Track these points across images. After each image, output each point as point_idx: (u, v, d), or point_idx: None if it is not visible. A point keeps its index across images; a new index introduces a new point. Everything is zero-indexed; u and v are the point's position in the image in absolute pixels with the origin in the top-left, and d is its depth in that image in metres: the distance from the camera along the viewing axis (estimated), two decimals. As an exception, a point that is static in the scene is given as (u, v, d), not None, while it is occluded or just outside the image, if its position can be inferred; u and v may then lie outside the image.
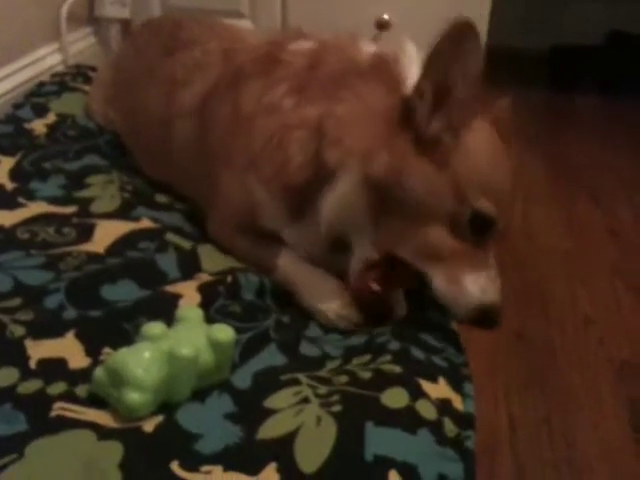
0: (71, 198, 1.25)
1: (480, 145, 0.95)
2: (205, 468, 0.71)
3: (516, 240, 1.65)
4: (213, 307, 0.98)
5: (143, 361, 0.76)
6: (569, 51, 3.14)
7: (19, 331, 0.88)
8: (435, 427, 0.78)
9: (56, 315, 0.92)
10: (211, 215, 1.20)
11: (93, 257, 1.05)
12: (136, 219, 1.19)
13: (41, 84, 1.75)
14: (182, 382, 0.79)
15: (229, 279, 1.04)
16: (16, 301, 0.94)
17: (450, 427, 0.79)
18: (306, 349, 0.94)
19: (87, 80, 1.81)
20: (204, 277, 1.05)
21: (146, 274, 1.03)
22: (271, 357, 0.90)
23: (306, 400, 0.81)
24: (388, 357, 0.89)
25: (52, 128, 1.52)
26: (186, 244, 1.13)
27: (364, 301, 1.00)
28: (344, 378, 0.85)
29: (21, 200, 1.21)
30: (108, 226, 1.15)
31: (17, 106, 1.61)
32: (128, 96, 1.47)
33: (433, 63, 0.91)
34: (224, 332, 0.82)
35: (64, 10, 1.98)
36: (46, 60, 1.92)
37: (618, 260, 1.70)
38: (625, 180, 2.20)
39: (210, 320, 0.89)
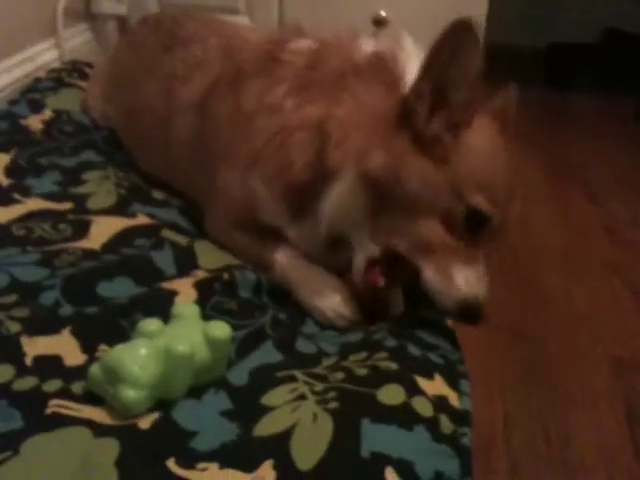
0: (67, 194, 1.25)
1: (480, 144, 0.96)
2: (201, 465, 0.71)
3: (513, 238, 1.66)
4: (209, 304, 0.98)
5: (139, 358, 0.76)
6: (566, 49, 3.15)
7: (15, 328, 0.87)
8: (431, 424, 0.78)
9: (52, 312, 0.92)
10: (209, 211, 1.20)
11: (89, 254, 1.05)
12: (132, 215, 1.19)
13: (37, 80, 1.75)
14: (178, 379, 0.79)
15: (225, 276, 1.04)
16: (12, 298, 0.93)
17: (446, 424, 0.79)
18: (302, 346, 0.94)
19: (83, 76, 1.80)
20: (200, 274, 1.05)
21: (142, 271, 1.03)
22: (267, 354, 0.90)
23: (302, 397, 0.81)
24: (384, 354, 0.89)
25: (48, 124, 1.52)
26: (182, 240, 1.13)
27: (366, 298, 1.00)
28: (340, 375, 0.85)
29: (17, 196, 1.21)
30: (104, 222, 1.15)
31: (13, 102, 1.61)
32: (126, 92, 1.47)
33: (432, 64, 0.91)
34: (220, 329, 0.82)
35: (60, 6, 1.97)
36: (42, 56, 1.91)
37: (614, 258, 1.70)
38: (622, 178, 2.21)
39: (206, 317, 0.89)
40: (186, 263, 1.07)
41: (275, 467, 0.71)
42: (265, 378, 0.85)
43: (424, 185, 0.93)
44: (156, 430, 0.75)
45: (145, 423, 0.76)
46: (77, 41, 2.12)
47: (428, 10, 1.93)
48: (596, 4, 3.31)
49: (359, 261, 0.99)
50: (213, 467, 0.71)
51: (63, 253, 1.04)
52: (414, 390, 0.82)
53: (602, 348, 1.33)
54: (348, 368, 0.87)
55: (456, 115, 0.93)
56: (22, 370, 0.81)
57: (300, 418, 0.77)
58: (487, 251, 0.98)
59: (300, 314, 1.02)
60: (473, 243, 0.95)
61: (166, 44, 1.39)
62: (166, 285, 1.00)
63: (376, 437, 0.74)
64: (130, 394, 0.75)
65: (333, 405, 0.79)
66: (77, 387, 0.80)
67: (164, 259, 1.06)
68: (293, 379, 0.84)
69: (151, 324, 0.81)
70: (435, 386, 0.86)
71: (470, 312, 0.94)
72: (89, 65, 1.89)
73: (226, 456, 0.72)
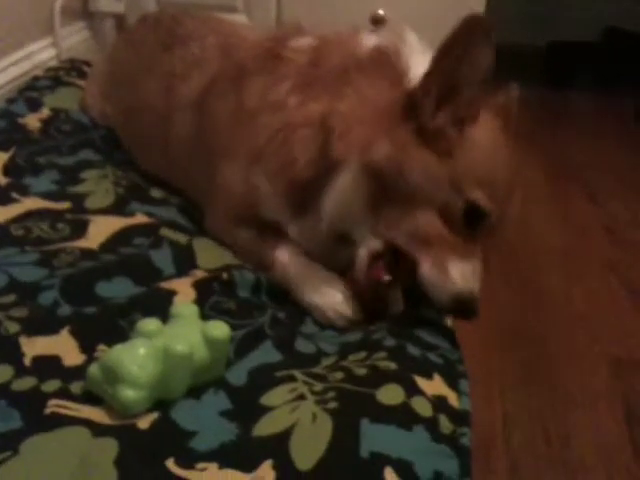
0: (65, 193, 1.24)
1: (483, 140, 0.96)
2: (200, 465, 0.71)
3: (513, 238, 1.66)
4: (208, 304, 0.97)
5: (138, 358, 0.76)
6: (566, 48, 3.14)
7: (13, 328, 0.87)
8: (431, 424, 0.78)
9: (50, 312, 0.92)
10: (209, 208, 1.20)
11: (87, 253, 1.05)
12: (131, 214, 1.18)
13: (35, 79, 1.74)
14: (177, 379, 0.79)
15: (224, 276, 1.03)
16: (10, 297, 0.93)
17: (446, 424, 0.79)
18: (301, 346, 0.94)
19: (81, 75, 1.80)
20: (199, 274, 1.04)
21: (141, 270, 1.02)
22: (266, 354, 0.90)
23: (302, 397, 0.81)
24: (383, 354, 0.89)
25: (46, 123, 1.51)
26: (181, 239, 1.13)
27: (368, 297, 1.00)
28: (339, 375, 0.85)
29: (15, 196, 1.21)
30: (102, 222, 1.15)
31: (10, 101, 1.60)
32: (125, 91, 1.47)
33: (443, 58, 0.91)
34: (219, 329, 0.82)
35: (58, 4, 1.97)
36: (40, 55, 1.91)
37: (614, 258, 1.70)
38: (621, 178, 2.21)
39: (205, 317, 0.89)
40: (185, 262, 1.07)
41: (274, 467, 0.71)
42: (264, 378, 0.85)
43: (426, 177, 0.93)
44: (155, 430, 0.75)
45: (144, 423, 0.75)
46: (75, 39, 2.11)
47: (426, 9, 1.93)
48: (596, 2, 3.30)
49: (362, 256, 0.98)
50: (212, 467, 0.71)
51: (61, 253, 1.04)
52: (413, 390, 0.82)
53: (600, 348, 1.34)
54: (347, 368, 0.86)
55: (462, 110, 0.94)
56: (21, 370, 0.81)
57: (299, 418, 0.77)
58: (486, 249, 0.98)
59: (299, 314, 1.02)
60: (471, 239, 0.95)
61: (165, 42, 1.39)
62: (165, 285, 1.00)
63: (375, 437, 0.74)
64: (129, 394, 0.75)
65: (332, 405, 0.79)
66: (76, 387, 0.80)
67: (163, 258, 1.06)
68: (292, 379, 0.84)
69: (150, 324, 0.81)
70: (434, 386, 0.85)
71: (464, 306, 0.94)
72: (87, 63, 1.88)
73: (225, 456, 0.72)
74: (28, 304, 0.92)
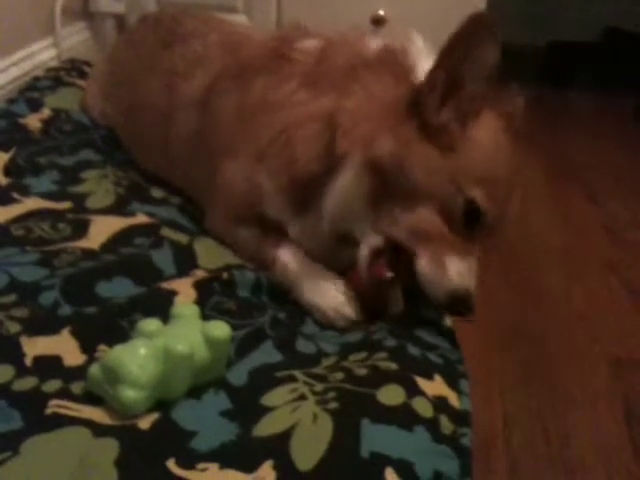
0: (66, 193, 1.24)
1: (485, 138, 0.96)
2: (201, 466, 0.71)
3: (513, 237, 1.66)
4: (209, 304, 0.97)
5: (138, 358, 0.76)
6: (566, 48, 3.14)
7: (14, 328, 0.87)
8: (431, 424, 0.78)
9: (51, 312, 0.92)
10: (210, 207, 1.20)
11: (88, 253, 1.05)
12: (131, 214, 1.18)
13: (35, 79, 1.74)
14: (178, 379, 0.79)
15: (225, 276, 1.03)
16: (11, 298, 0.93)
17: (446, 424, 0.79)
18: (302, 346, 0.94)
19: (82, 75, 1.80)
20: (200, 274, 1.04)
21: (141, 271, 1.02)
22: (267, 354, 0.90)
23: (302, 397, 0.81)
24: (384, 354, 0.89)
25: (46, 123, 1.51)
26: (182, 239, 1.13)
27: (368, 296, 1.00)
28: (340, 375, 0.85)
29: (15, 196, 1.21)
30: (103, 222, 1.15)
31: (11, 101, 1.60)
32: (125, 91, 1.47)
33: (449, 54, 0.92)
34: (220, 329, 0.82)
35: (58, 4, 1.97)
36: (40, 55, 1.90)
37: (613, 257, 1.70)
38: (621, 177, 2.21)
39: (206, 317, 0.89)
40: (185, 263, 1.07)
41: (275, 467, 0.71)
42: (265, 378, 0.85)
43: (427, 172, 0.93)
44: (156, 430, 0.75)
45: (145, 423, 0.75)
46: (75, 40, 2.11)
47: (427, 9, 1.92)
48: (596, 3, 3.31)
49: (363, 253, 0.98)
50: (213, 467, 0.71)
51: (62, 253, 1.04)
52: (414, 390, 0.82)
53: (600, 348, 1.34)
54: (348, 368, 0.87)
55: (466, 106, 0.94)
56: (22, 370, 0.81)
57: (300, 418, 0.77)
58: (486, 249, 0.98)
59: (300, 314, 1.02)
60: (469, 237, 0.95)
61: (166, 40, 1.39)
62: (165, 285, 1.00)
63: (376, 437, 0.74)
64: (129, 394, 0.75)
65: (333, 405, 0.79)
66: (77, 387, 0.80)
67: (163, 259, 1.06)
68: (293, 379, 0.84)
69: (150, 324, 0.81)
70: (435, 386, 0.85)
71: (459, 303, 0.94)
72: (87, 64, 1.88)
73: (226, 456, 0.72)
74: (29, 304, 0.92)
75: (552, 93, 2.94)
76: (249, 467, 0.71)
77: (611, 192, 2.08)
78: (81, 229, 1.12)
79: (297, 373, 0.86)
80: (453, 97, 0.94)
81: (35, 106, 1.57)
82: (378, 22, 1.97)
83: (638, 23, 3.14)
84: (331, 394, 0.81)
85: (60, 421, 0.74)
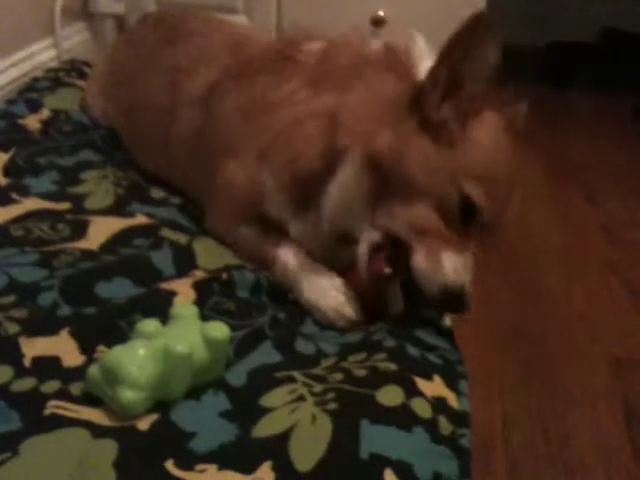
0: (65, 194, 1.24)
1: (484, 137, 0.97)
2: (200, 467, 0.71)
3: (512, 237, 1.66)
4: (208, 304, 0.97)
5: (137, 359, 0.76)
6: (566, 48, 3.14)
7: (13, 328, 0.87)
8: (430, 425, 0.78)
9: (50, 312, 0.92)
10: (211, 206, 1.20)
11: (87, 254, 1.05)
12: (131, 215, 1.18)
13: (35, 79, 1.74)
14: (177, 380, 0.79)
15: (224, 276, 1.03)
16: (10, 298, 0.93)
17: (445, 425, 0.79)
18: (301, 346, 0.94)
19: (81, 75, 1.80)
20: (199, 274, 1.04)
21: (141, 271, 1.02)
22: (266, 355, 0.90)
23: (301, 398, 0.81)
24: (383, 355, 0.89)
25: (46, 123, 1.51)
26: (182, 239, 1.13)
27: (368, 295, 1.00)
28: (339, 376, 0.85)
29: (15, 196, 1.20)
30: (102, 222, 1.15)
31: (10, 102, 1.60)
32: (126, 90, 1.47)
33: (451, 51, 0.92)
34: (219, 329, 0.82)
35: (58, 5, 1.96)
36: (40, 55, 1.90)
37: (613, 257, 1.70)
38: (620, 178, 2.21)
39: (205, 318, 0.89)
40: (185, 263, 1.07)
41: (274, 468, 0.71)
42: (264, 379, 0.85)
43: (425, 168, 0.94)
44: (155, 431, 0.75)
45: (144, 424, 0.75)
46: (75, 40, 2.11)
47: (427, 10, 1.92)
48: (595, 3, 3.31)
49: (362, 249, 0.98)
50: (212, 468, 0.71)
51: (61, 253, 1.04)
52: (413, 391, 0.82)
53: (600, 348, 1.34)
54: (347, 369, 0.87)
55: (466, 104, 0.95)
56: (21, 371, 0.81)
57: (299, 419, 0.77)
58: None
59: (299, 314, 1.02)
60: (466, 234, 0.96)
61: (168, 38, 1.40)
62: (165, 285, 1.00)
63: (375, 438, 0.74)
64: (128, 395, 0.75)
65: (332, 406, 0.79)
66: (75, 388, 0.79)
67: (163, 259, 1.06)
68: (292, 380, 0.84)
69: (149, 325, 0.81)
70: (434, 387, 0.85)
71: (453, 299, 0.94)
72: (87, 64, 1.88)
73: (225, 457, 0.72)
74: (28, 305, 0.92)
75: (552, 93, 2.94)
76: (248, 468, 0.71)
77: (610, 192, 2.08)
78: (80, 230, 1.12)
79: (296, 374, 0.85)
80: (454, 95, 0.95)
81: (34, 107, 1.57)
82: (378, 23, 1.97)
83: (636, 24, 3.14)
84: (330, 395, 0.81)
85: (59, 422, 0.74)
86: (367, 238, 0.98)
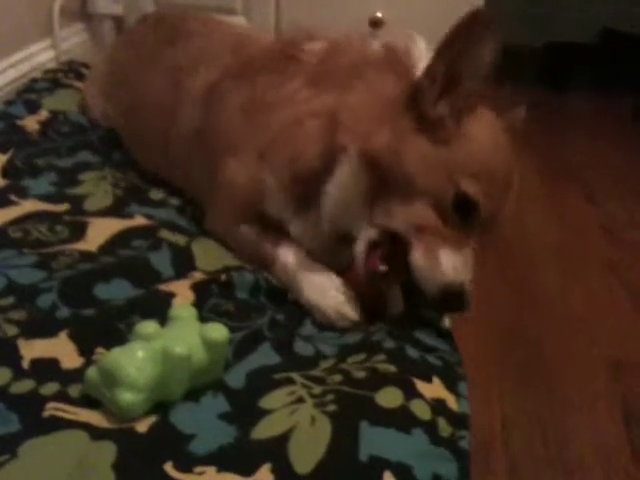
0: (64, 195, 1.24)
1: (479, 134, 0.97)
2: (199, 469, 0.71)
3: (510, 237, 1.66)
4: (207, 306, 0.97)
5: (136, 360, 0.76)
6: (564, 48, 3.15)
7: (12, 330, 0.87)
8: (429, 427, 0.78)
9: (49, 314, 0.91)
10: (211, 205, 1.20)
11: (86, 256, 1.05)
12: (129, 216, 1.18)
13: (33, 80, 1.74)
14: (175, 381, 0.79)
15: (223, 277, 1.03)
16: (9, 300, 0.93)
17: (444, 427, 0.79)
18: (300, 348, 0.94)
19: (80, 77, 1.80)
20: (198, 276, 1.04)
21: (139, 273, 1.02)
22: (265, 356, 0.90)
23: (300, 400, 0.80)
24: (383, 356, 0.89)
25: (44, 125, 1.51)
26: (180, 240, 1.12)
27: (368, 295, 1.00)
28: (338, 377, 0.85)
29: (13, 198, 1.20)
30: (101, 224, 1.15)
31: (9, 103, 1.60)
32: (126, 90, 1.47)
33: (448, 47, 0.93)
34: (218, 331, 0.82)
35: (56, 6, 1.96)
36: (38, 56, 1.90)
37: (612, 258, 1.70)
38: (619, 178, 2.21)
39: (203, 319, 0.89)
40: (183, 264, 1.07)
41: (273, 470, 0.70)
42: (263, 380, 0.84)
43: (420, 165, 0.94)
44: (154, 433, 0.75)
45: (142, 426, 0.75)
46: (73, 41, 2.11)
47: (425, 11, 1.92)
48: (593, 4, 3.31)
49: (360, 247, 0.98)
50: (211, 470, 0.71)
51: (60, 255, 1.04)
52: (412, 393, 0.82)
53: (598, 350, 1.34)
54: (346, 370, 0.86)
55: (462, 102, 0.95)
56: (19, 373, 0.81)
57: (298, 421, 0.77)
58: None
59: (298, 315, 1.02)
60: (465, 231, 0.95)
61: (168, 37, 1.40)
62: (163, 287, 1.00)
63: (374, 440, 0.74)
64: (127, 397, 0.75)
65: (331, 408, 0.79)
66: (74, 390, 0.79)
67: (161, 261, 1.06)
68: (291, 382, 0.84)
69: (148, 326, 0.81)
70: (433, 389, 0.85)
71: (453, 298, 0.93)
72: (85, 66, 1.88)
73: (224, 459, 0.72)
74: (26, 307, 0.92)
75: (550, 94, 2.94)
76: (247, 470, 0.70)
77: (609, 192, 2.08)
78: (79, 231, 1.11)
79: (295, 375, 0.85)
80: (450, 92, 0.95)
81: (33, 108, 1.57)
82: (376, 24, 1.97)
83: (634, 24, 3.15)
84: (329, 397, 0.81)
85: (57, 424, 0.74)
86: (365, 236, 0.98)
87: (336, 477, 0.70)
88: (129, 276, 1.01)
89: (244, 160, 1.12)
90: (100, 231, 1.12)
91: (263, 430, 0.76)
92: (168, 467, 0.70)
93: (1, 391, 0.78)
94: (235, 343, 0.91)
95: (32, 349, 0.85)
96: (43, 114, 1.55)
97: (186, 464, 0.71)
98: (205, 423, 0.77)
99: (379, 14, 1.97)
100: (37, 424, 0.74)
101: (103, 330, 0.89)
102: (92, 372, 0.78)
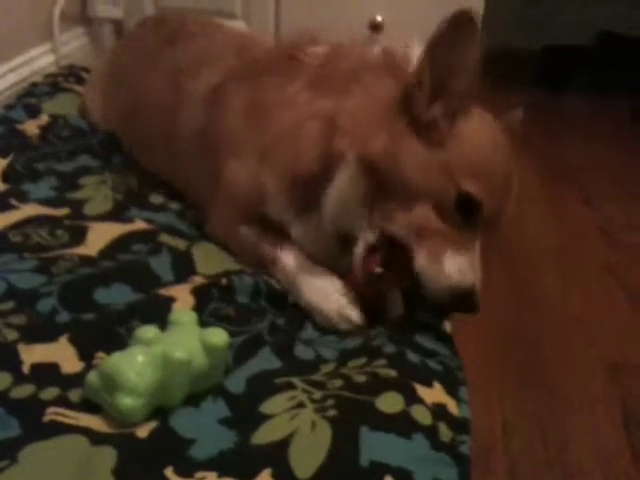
0: (64, 200, 1.24)
1: (475, 132, 0.97)
2: (199, 474, 0.71)
3: (509, 240, 1.66)
4: (207, 310, 0.97)
5: (136, 365, 0.76)
6: (562, 51, 3.15)
7: (12, 335, 0.87)
8: (430, 432, 0.78)
9: (49, 319, 0.92)
10: (213, 207, 1.20)
11: (86, 260, 1.05)
12: (129, 220, 1.19)
13: (33, 85, 1.74)
14: (176, 386, 0.79)
15: (223, 282, 1.03)
16: (9, 305, 0.93)
17: (445, 432, 0.79)
18: (301, 352, 0.94)
19: (80, 81, 1.80)
20: (198, 280, 1.04)
21: (140, 277, 1.02)
22: (265, 361, 0.90)
23: (301, 405, 0.80)
24: (383, 361, 0.89)
25: (44, 129, 1.51)
26: (181, 244, 1.13)
27: (367, 297, 1.00)
28: (339, 382, 0.85)
29: (13, 202, 1.21)
30: (101, 228, 1.15)
31: (9, 107, 1.60)
32: (126, 93, 1.47)
33: (432, 52, 0.93)
34: (218, 336, 0.82)
35: (56, 10, 1.97)
36: (38, 61, 1.90)
37: (610, 260, 1.70)
38: (617, 180, 2.21)
39: (204, 324, 0.89)
40: (184, 269, 1.07)
41: (273, 476, 0.71)
42: (263, 385, 0.85)
43: (417, 168, 0.94)
44: (154, 438, 0.75)
45: (143, 431, 0.75)
46: (73, 45, 2.11)
47: (424, 15, 1.92)
48: (591, 7, 3.32)
49: (359, 250, 0.98)
50: (211, 476, 0.71)
51: (60, 260, 1.04)
52: (413, 398, 0.82)
53: (596, 352, 1.33)
54: (347, 375, 0.86)
55: (454, 103, 0.96)
56: (19, 378, 0.81)
57: (299, 426, 0.77)
58: (483, 248, 0.98)
59: (299, 319, 1.02)
60: (467, 232, 0.95)
61: (169, 38, 1.40)
62: (163, 291, 1.00)
63: (375, 445, 0.74)
64: (127, 402, 0.75)
65: (332, 413, 0.79)
66: (74, 395, 0.79)
67: (161, 265, 1.06)
68: (291, 386, 0.84)
69: (148, 331, 0.81)
70: (434, 394, 0.85)
71: (461, 300, 0.93)
72: (85, 69, 1.88)
73: (224, 464, 0.72)
74: (27, 311, 0.92)
75: (548, 96, 2.94)
76: (247, 475, 0.71)
77: (607, 195, 2.08)
78: (79, 236, 1.12)
79: (296, 380, 0.85)
80: (441, 94, 0.95)
81: (33, 112, 1.57)
82: (376, 28, 1.98)
83: (632, 27, 3.15)
84: (330, 402, 0.81)
85: (58, 429, 0.74)
86: (364, 239, 0.98)
87: (337, 482, 0.71)
88: (129, 280, 1.01)
89: (245, 161, 1.12)
90: (100, 235, 1.12)
91: (263, 435, 0.76)
92: (168, 472, 0.70)
93: (1, 396, 0.78)
94: (235, 348, 0.91)
95: (32, 354, 0.85)
96: (43, 118, 1.55)
97: (186, 469, 0.71)
98: (205, 428, 0.77)
99: (378, 17, 1.98)
100: (37, 429, 0.74)
101: (103, 335, 0.89)
102: (92, 377, 0.78)
